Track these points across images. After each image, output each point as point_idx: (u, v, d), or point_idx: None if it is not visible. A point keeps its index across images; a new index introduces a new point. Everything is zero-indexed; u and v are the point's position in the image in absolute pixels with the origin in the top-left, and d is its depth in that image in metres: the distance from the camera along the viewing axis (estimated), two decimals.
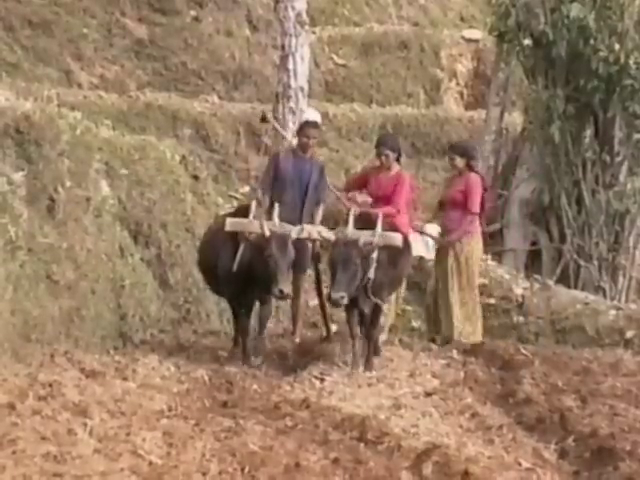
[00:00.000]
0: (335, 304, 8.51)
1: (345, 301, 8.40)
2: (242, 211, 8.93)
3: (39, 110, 9.07)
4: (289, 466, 5.60)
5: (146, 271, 10.46)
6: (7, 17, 17.51)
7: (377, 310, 8.89)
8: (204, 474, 5.39)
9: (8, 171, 8.45)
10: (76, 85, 17.31)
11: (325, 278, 9.59)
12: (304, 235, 8.88)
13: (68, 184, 9.20)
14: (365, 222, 8.76)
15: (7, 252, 8.13)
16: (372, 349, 8.89)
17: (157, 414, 6.51)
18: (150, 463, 5.44)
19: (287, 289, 8.49)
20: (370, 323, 8.90)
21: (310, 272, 9.99)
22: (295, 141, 9.96)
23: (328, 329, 9.83)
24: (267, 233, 8.48)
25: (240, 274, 8.65)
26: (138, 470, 5.31)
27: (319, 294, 9.93)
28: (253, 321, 9.15)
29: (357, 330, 8.86)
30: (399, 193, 9.50)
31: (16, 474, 5.04)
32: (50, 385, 6.64)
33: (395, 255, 8.87)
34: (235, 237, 8.68)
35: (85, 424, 5.87)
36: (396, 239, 8.73)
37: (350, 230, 8.60)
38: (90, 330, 9.16)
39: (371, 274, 8.59)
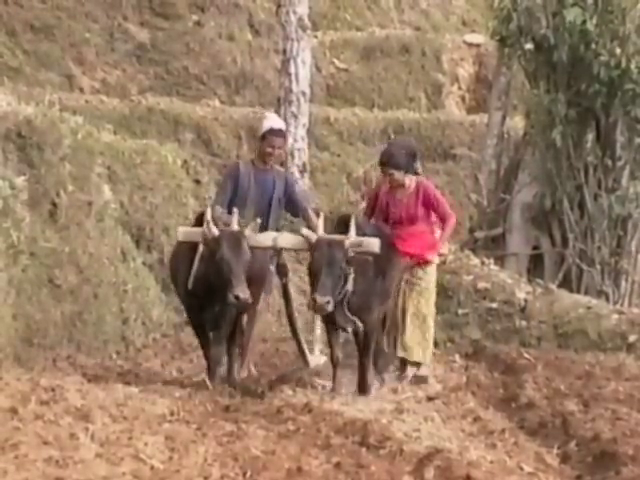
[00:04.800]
0: (320, 310, 7.60)
1: (331, 307, 7.52)
2: (201, 219, 7.91)
3: (41, 114, 9.07)
4: (291, 470, 5.58)
5: (148, 275, 10.47)
6: (9, 22, 17.54)
7: (368, 332, 7.99)
8: (206, 478, 5.37)
9: (10, 175, 8.44)
10: (78, 89, 17.35)
11: (295, 296, 8.99)
12: (269, 243, 8.00)
13: (70, 188, 9.20)
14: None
15: (9, 256, 8.13)
16: (367, 373, 8.03)
17: (159, 418, 6.49)
18: (152, 467, 5.43)
19: (244, 294, 7.43)
20: (362, 348, 8.03)
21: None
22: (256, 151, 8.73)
23: (305, 356, 8.78)
24: (215, 232, 7.56)
25: (196, 292, 7.80)
26: (140, 475, 5.30)
27: (289, 315, 8.80)
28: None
29: (339, 354, 8.02)
30: (440, 203, 8.40)
31: (18, 479, 5.02)
32: (52, 389, 6.61)
33: (384, 265, 7.98)
34: (191, 252, 7.80)
35: (87, 428, 5.85)
36: (373, 245, 7.77)
37: (321, 233, 7.76)
38: (92, 334, 9.16)
39: (349, 286, 7.70)
